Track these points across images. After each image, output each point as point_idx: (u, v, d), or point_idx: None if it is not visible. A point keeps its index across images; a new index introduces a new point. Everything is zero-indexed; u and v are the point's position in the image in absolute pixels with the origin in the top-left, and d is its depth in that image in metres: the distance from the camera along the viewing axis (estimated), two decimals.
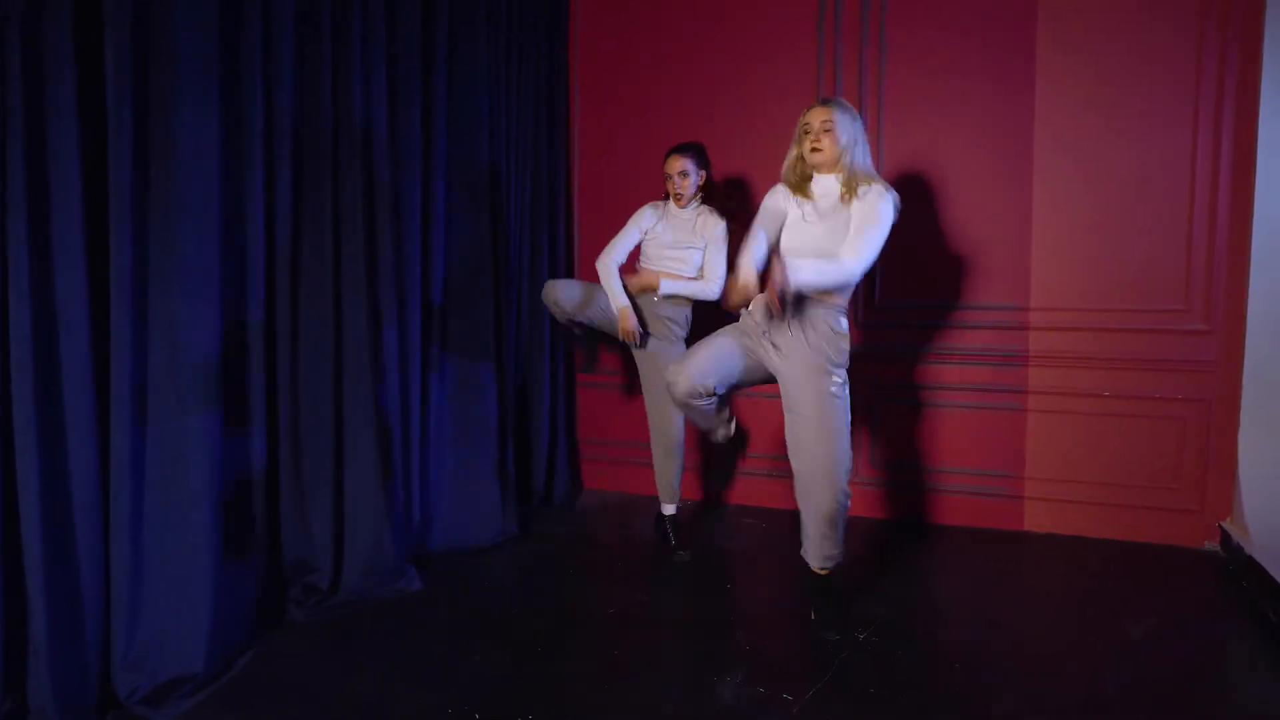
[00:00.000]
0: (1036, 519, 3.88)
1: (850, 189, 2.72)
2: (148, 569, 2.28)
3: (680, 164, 3.49)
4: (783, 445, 2.94)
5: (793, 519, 3.02)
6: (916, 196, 4.00)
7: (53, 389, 2.06)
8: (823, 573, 2.91)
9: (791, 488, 2.88)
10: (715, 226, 3.54)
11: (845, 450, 2.75)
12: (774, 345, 2.82)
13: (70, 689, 2.11)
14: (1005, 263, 3.87)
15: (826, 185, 2.80)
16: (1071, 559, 3.57)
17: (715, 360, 2.89)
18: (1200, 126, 3.52)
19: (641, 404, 3.79)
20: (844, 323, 2.81)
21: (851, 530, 3.92)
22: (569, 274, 4.69)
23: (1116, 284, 3.71)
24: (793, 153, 2.84)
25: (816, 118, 2.75)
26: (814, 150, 2.73)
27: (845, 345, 2.81)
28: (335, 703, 2.36)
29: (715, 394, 2.91)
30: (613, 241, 3.57)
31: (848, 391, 2.81)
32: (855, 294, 4.07)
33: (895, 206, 2.73)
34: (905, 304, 4.05)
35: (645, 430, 3.79)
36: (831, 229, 2.74)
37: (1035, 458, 3.87)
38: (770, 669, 2.57)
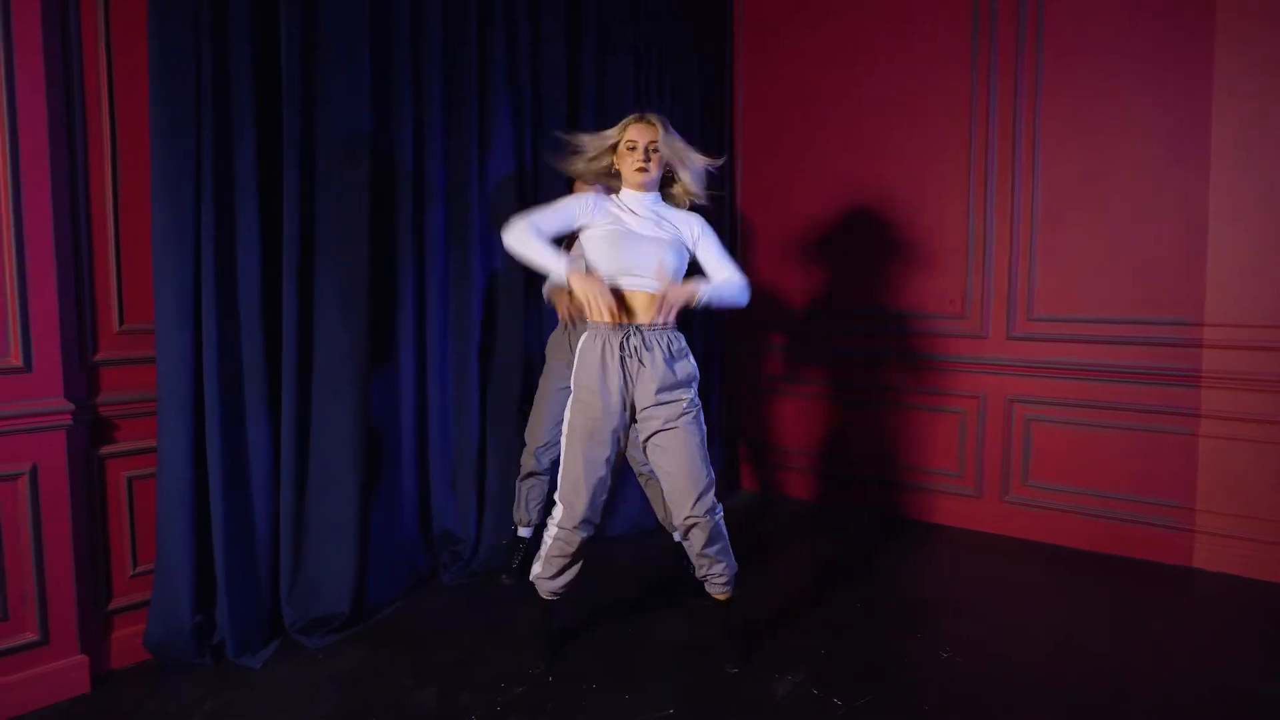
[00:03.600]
0: (1207, 555, 3.51)
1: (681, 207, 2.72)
2: (307, 526, 2.86)
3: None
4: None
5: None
6: (1073, 202, 3.78)
7: (234, 378, 2.67)
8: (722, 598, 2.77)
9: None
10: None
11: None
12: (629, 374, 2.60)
13: (245, 614, 2.72)
14: (1175, 275, 3.53)
15: (642, 201, 2.66)
16: (1239, 603, 3.21)
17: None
18: None
19: (803, 410, 3.79)
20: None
21: (994, 549, 3.83)
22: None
23: None
24: (604, 161, 2.67)
25: (643, 137, 2.59)
26: (639, 170, 2.60)
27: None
28: (439, 651, 2.80)
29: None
30: None
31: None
32: (1012, 304, 3.95)
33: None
34: (1062, 318, 3.83)
35: (803, 436, 3.74)
36: (659, 244, 2.60)
37: (1209, 488, 3.50)
38: (833, 672, 2.65)
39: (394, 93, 3.10)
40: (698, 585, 2.82)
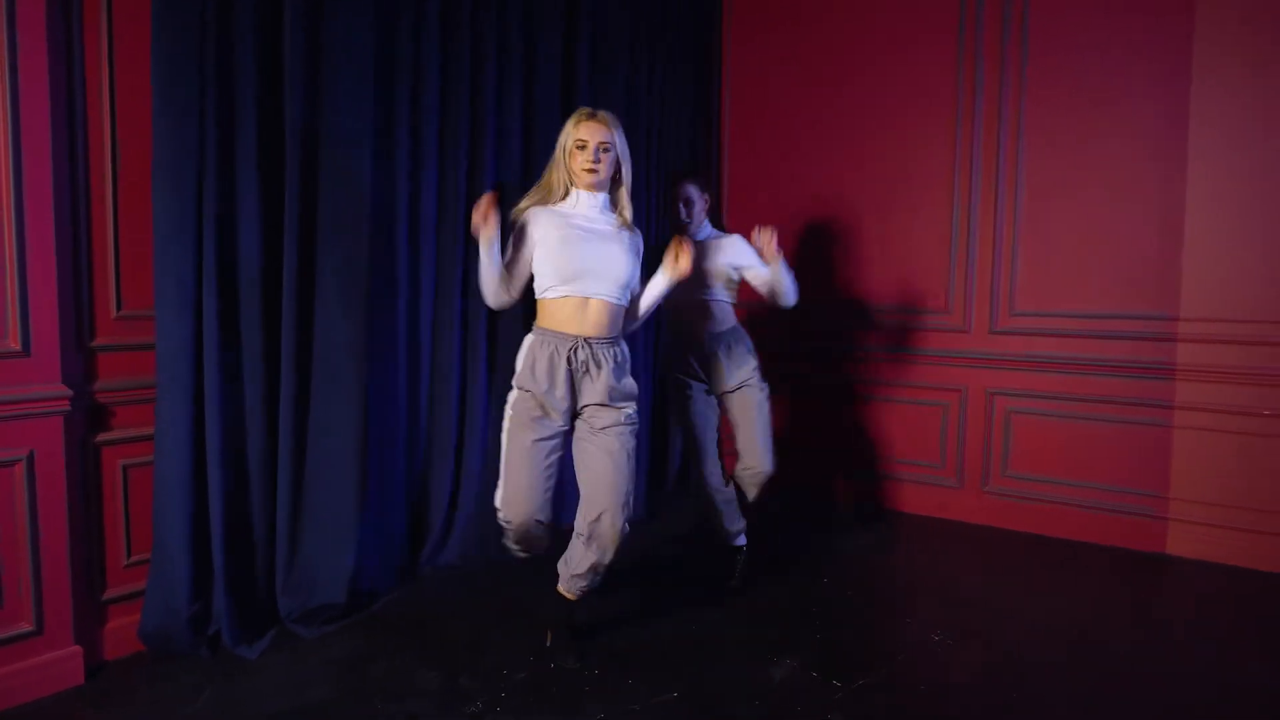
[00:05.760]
0: (1181, 543, 3.63)
1: (624, 219, 2.66)
2: (304, 516, 2.84)
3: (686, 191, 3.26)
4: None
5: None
6: (1054, 199, 3.89)
7: (234, 367, 2.65)
8: (571, 597, 2.72)
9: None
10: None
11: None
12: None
13: (242, 603, 2.70)
14: (1153, 271, 3.66)
15: (590, 202, 2.63)
16: (1213, 589, 3.33)
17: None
18: None
19: (785, 402, 3.81)
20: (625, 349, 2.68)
21: (975, 539, 3.93)
22: None
23: None
24: (560, 170, 2.62)
25: (594, 135, 2.53)
26: (588, 170, 2.55)
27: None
28: (438, 640, 2.80)
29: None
30: None
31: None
32: (994, 299, 4.03)
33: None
34: (1043, 313, 3.93)
35: (785, 428, 3.80)
36: (623, 250, 2.62)
37: (1182, 477, 3.62)
38: (830, 656, 2.71)
39: (394, 83, 3.09)
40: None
